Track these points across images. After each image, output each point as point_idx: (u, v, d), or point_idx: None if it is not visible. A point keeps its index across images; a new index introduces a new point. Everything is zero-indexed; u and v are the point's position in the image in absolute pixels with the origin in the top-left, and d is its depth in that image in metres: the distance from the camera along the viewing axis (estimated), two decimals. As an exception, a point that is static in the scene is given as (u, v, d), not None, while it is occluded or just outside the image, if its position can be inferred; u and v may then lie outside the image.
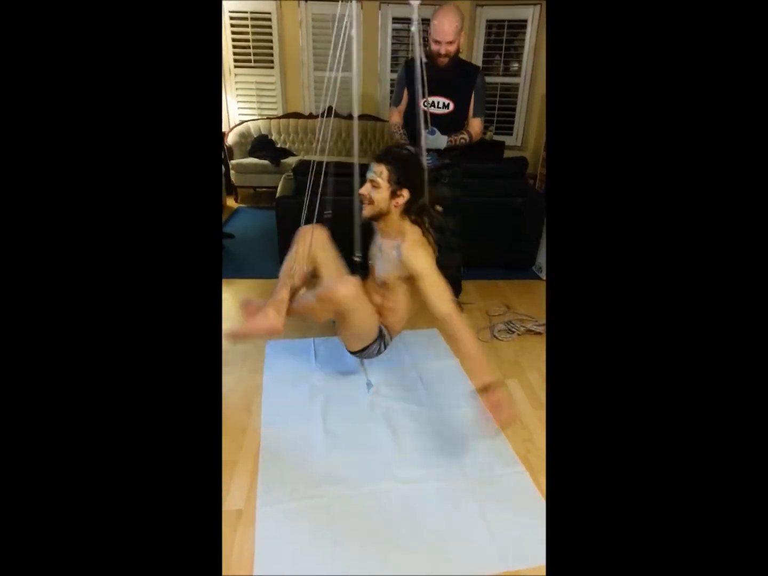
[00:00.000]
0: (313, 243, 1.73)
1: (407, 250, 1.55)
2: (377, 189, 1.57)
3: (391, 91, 4.64)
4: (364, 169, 1.63)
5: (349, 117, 4.74)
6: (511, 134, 4.97)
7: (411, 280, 1.58)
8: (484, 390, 1.35)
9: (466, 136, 2.16)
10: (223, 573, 1.14)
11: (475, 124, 2.20)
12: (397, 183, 1.57)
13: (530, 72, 4.69)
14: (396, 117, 2.24)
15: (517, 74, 4.79)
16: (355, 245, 1.69)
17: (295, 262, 1.73)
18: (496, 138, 4.74)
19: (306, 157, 4.42)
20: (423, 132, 2.03)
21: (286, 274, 1.74)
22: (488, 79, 4.81)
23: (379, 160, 1.58)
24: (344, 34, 1.51)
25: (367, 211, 1.61)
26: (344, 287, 1.54)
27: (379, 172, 1.56)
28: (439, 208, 1.74)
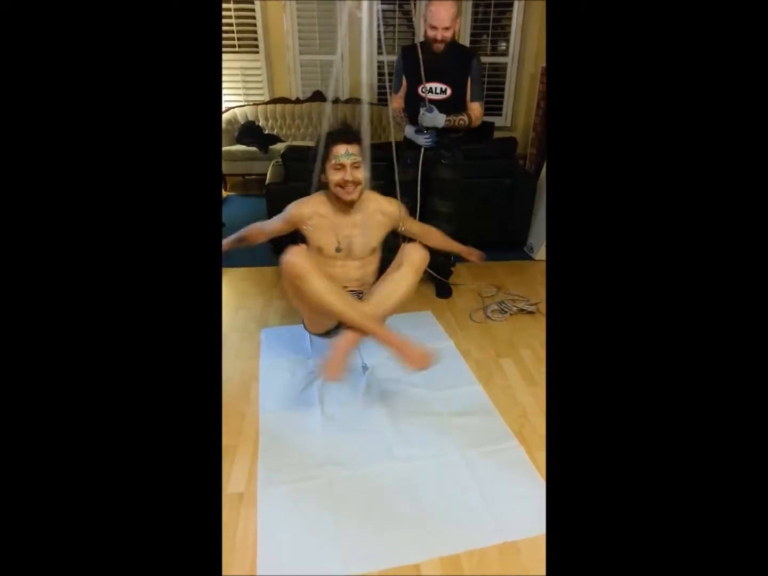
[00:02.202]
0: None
1: (398, 209, 1.66)
2: (359, 169, 1.56)
3: (380, 74, 4.61)
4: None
5: (338, 101, 4.70)
6: (500, 115, 4.95)
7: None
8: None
9: (465, 118, 2.15)
10: (227, 554, 1.17)
11: (475, 108, 2.20)
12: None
13: (518, 51, 4.66)
14: (397, 102, 2.25)
15: (505, 54, 4.75)
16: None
17: None
18: (486, 119, 4.72)
19: (295, 143, 4.39)
20: (421, 110, 2.04)
21: None
22: (476, 59, 4.78)
23: (351, 140, 1.56)
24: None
25: (356, 194, 1.59)
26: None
27: (356, 152, 1.55)
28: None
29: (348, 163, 1.54)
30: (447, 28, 1.98)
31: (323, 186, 1.65)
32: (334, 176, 1.56)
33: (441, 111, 2.07)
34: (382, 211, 1.70)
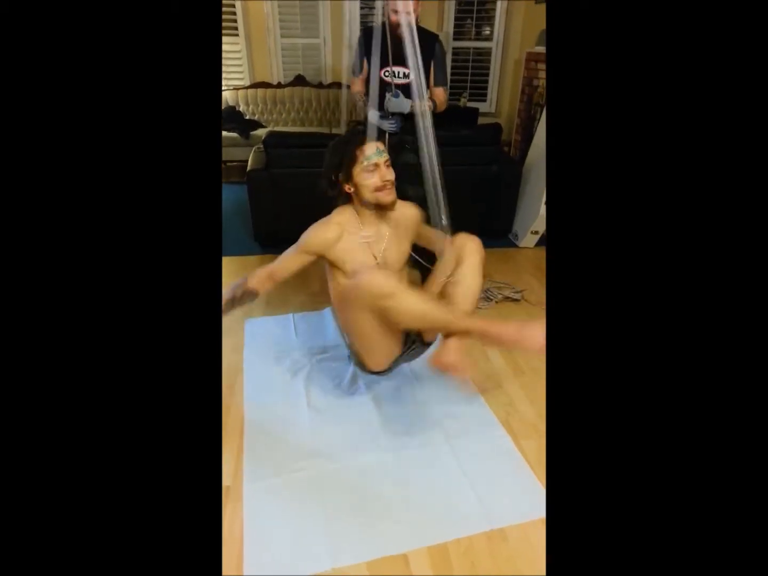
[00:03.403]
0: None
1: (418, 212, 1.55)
2: (390, 166, 1.44)
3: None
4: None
5: (320, 86, 4.62)
6: (484, 100, 4.92)
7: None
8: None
9: (430, 103, 2.13)
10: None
11: (439, 93, 2.18)
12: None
13: (502, 36, 4.62)
14: (358, 85, 2.20)
15: (489, 38, 4.71)
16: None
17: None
18: (470, 105, 4.69)
19: (276, 129, 4.31)
20: (387, 95, 2.01)
21: None
22: (460, 44, 4.73)
23: (378, 136, 1.43)
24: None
25: (394, 195, 1.45)
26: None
27: (384, 148, 1.43)
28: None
29: (382, 161, 1.40)
30: (409, 13, 1.95)
31: (343, 199, 1.50)
32: (370, 179, 1.39)
33: (404, 95, 2.04)
34: (405, 216, 1.55)
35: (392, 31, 1.97)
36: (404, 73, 2.11)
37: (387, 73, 2.03)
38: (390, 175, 1.42)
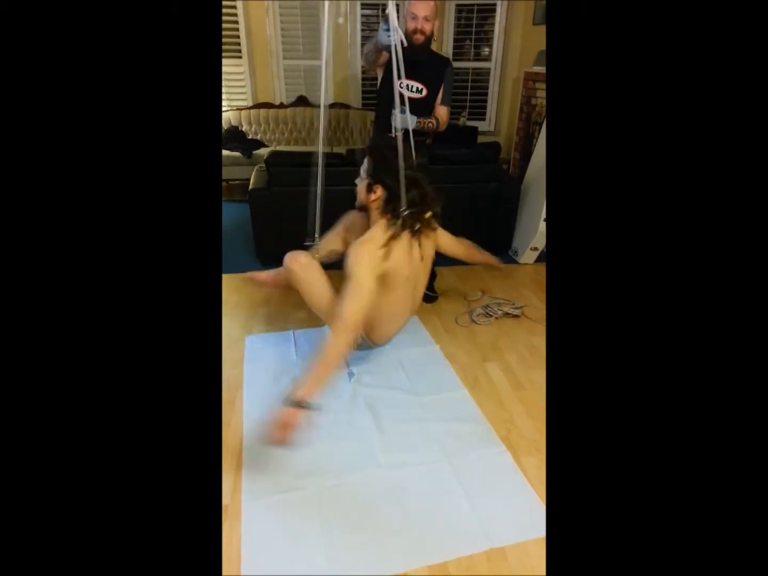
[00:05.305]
0: (349, 227, 1.81)
1: (353, 246, 1.54)
2: (359, 179, 1.59)
3: (363, 79, 4.61)
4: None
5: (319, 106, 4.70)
6: (483, 119, 4.99)
7: (379, 280, 1.53)
8: (289, 401, 1.31)
9: (434, 120, 2.18)
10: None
11: (443, 112, 2.24)
12: (373, 178, 1.57)
13: (501, 56, 4.70)
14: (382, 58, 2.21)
15: (487, 59, 4.80)
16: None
17: (324, 240, 1.78)
18: (469, 123, 4.75)
19: (279, 148, 4.37)
20: (394, 111, 2.04)
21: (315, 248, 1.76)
22: (459, 65, 4.81)
23: (368, 150, 1.59)
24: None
25: (356, 201, 1.65)
26: (291, 261, 1.62)
27: (364, 164, 1.58)
28: (430, 215, 1.64)
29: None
30: (426, 18, 1.99)
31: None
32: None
33: (414, 109, 2.08)
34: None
35: (409, 40, 2.01)
36: (417, 88, 2.16)
37: (402, 86, 2.07)
38: (357, 179, 1.63)
